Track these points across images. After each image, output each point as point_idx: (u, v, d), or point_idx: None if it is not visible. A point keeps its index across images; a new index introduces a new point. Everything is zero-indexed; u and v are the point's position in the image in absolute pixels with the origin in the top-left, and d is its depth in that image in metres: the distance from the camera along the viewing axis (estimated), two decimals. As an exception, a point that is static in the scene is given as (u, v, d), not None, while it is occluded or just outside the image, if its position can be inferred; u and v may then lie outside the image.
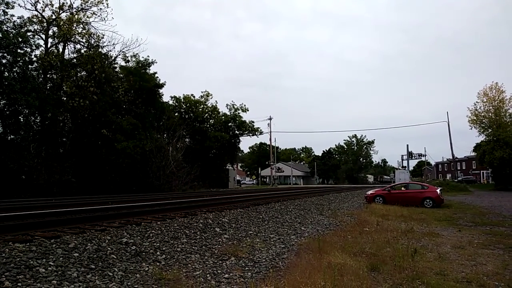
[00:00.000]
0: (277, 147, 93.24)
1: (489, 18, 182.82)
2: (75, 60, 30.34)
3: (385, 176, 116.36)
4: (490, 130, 43.50)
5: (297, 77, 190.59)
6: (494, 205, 20.22)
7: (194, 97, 49.82)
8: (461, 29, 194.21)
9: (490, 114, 43.80)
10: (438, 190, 19.70)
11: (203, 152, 46.69)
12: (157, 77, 37.75)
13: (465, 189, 38.95)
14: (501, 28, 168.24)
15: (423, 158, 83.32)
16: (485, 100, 44.44)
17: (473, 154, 55.10)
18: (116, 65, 34.76)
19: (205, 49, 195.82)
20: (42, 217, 8.98)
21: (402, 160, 69.25)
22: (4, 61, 24.23)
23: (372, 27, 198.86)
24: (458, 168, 70.06)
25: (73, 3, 29.68)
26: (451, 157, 61.29)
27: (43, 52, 28.40)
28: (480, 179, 68.46)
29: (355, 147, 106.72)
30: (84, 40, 30.10)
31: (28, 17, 28.28)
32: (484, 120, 44.28)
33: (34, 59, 27.50)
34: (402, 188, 21.24)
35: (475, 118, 44.69)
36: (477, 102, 45.15)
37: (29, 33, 27.27)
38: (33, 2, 28.18)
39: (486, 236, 9.84)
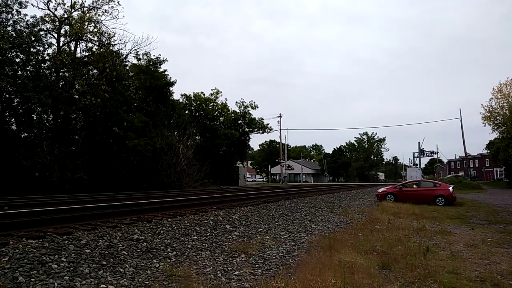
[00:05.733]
0: (287, 145, 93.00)
1: (501, 13, 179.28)
2: (86, 59, 30.70)
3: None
4: (504, 127, 42.69)
5: (307, 74, 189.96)
6: (508, 203, 19.88)
7: (204, 95, 49.97)
8: (474, 24, 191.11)
9: (505, 111, 42.95)
10: (450, 188, 19.45)
11: (213, 149, 46.84)
12: (168, 75, 38.07)
13: (478, 187, 38.44)
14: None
15: (435, 156, 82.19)
16: (499, 96, 43.66)
17: (486, 151, 54.29)
18: (127, 63, 35.13)
19: (215, 47, 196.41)
20: (55, 213, 9.11)
21: (414, 157, 68.48)
22: (17, 60, 24.64)
23: (383, 23, 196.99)
24: (471, 165, 68.97)
25: (85, 1, 29.93)
26: (463, 155, 60.49)
27: (55, 50, 28.71)
28: (494, 176, 67.70)
29: (366, 145, 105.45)
30: (95, 39, 30.42)
31: (41, 16, 28.64)
32: (498, 117, 43.51)
33: (47, 57, 27.88)
34: (414, 186, 21.02)
35: (489, 115, 43.93)
36: (491, 98, 44.43)
37: (41, 32, 27.57)
38: (46, 1, 28.51)
39: (500, 234, 9.67)
